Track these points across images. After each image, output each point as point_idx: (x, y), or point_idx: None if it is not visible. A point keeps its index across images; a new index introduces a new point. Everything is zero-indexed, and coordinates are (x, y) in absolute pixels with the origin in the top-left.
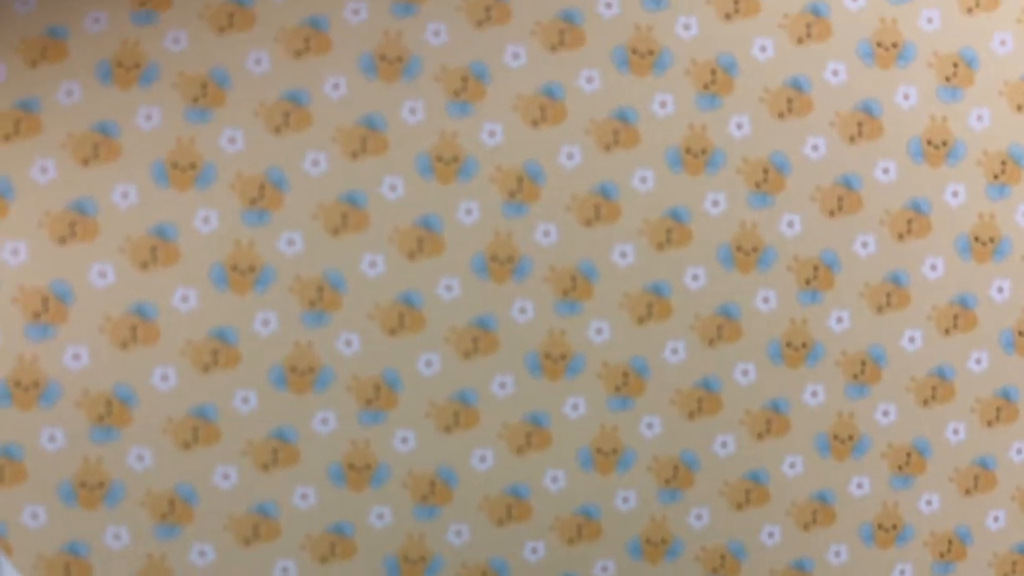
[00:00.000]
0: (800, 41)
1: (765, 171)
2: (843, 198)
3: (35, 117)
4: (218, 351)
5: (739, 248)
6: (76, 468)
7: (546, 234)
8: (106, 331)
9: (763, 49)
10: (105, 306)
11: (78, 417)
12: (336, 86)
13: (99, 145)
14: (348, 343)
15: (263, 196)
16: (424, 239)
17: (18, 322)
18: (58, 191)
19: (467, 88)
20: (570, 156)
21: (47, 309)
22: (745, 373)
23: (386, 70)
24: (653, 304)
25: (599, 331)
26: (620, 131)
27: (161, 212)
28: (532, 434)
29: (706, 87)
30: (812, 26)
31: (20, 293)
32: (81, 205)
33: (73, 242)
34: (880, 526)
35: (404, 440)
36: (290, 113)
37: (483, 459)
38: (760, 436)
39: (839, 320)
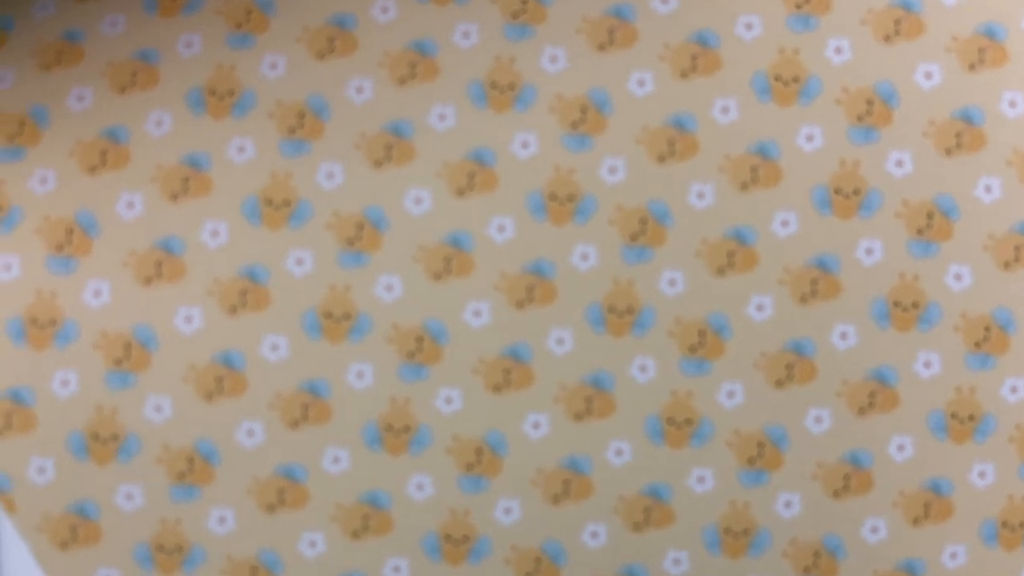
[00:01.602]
0: (972, 68)
1: (929, 215)
2: (1021, 248)
3: (122, 148)
4: (309, 405)
5: (897, 303)
6: (153, 530)
7: (672, 283)
8: (190, 381)
9: (928, 76)
10: (190, 354)
11: (158, 474)
12: (442, 117)
13: (189, 179)
14: (448, 400)
15: (361, 237)
16: (535, 286)
17: (99, 369)
18: (144, 228)
19: (586, 119)
20: (701, 196)
21: (129, 356)
22: (901, 448)
23: (497, 99)
24: (794, 365)
25: (731, 394)
26: (759, 167)
27: (252, 252)
28: (652, 509)
29: (860, 119)
30: (986, 51)
31: (102, 338)
32: (168, 244)
33: (159, 283)
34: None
35: (508, 511)
36: (392, 146)
37: (595, 535)
38: (916, 521)
39: (1014, 390)
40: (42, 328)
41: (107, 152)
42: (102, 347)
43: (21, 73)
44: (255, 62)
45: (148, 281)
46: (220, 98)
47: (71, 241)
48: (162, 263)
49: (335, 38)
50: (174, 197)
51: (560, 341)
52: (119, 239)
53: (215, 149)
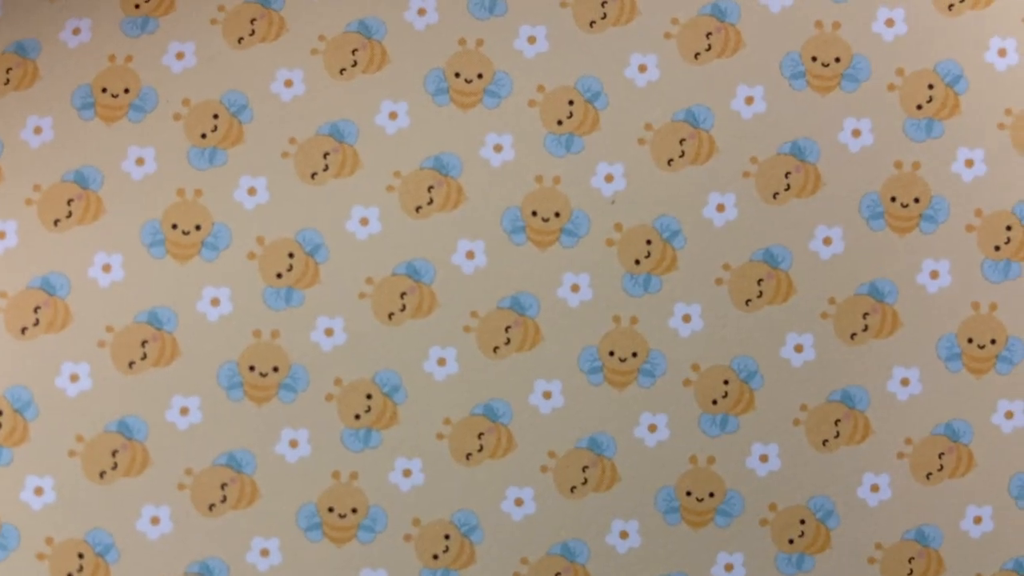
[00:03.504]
0: None
1: (1009, 228)
2: None
3: None
4: (228, 484)
5: (971, 340)
6: None
7: (687, 320)
8: (78, 456)
9: (1002, 54)
10: (77, 422)
11: (39, 574)
12: (394, 115)
13: (75, 200)
14: (407, 473)
15: (293, 269)
16: (513, 327)
17: None
18: (18, 264)
19: (574, 115)
20: (721, 209)
21: (0, 425)
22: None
23: (462, 92)
24: (843, 420)
25: (764, 459)
26: (794, 172)
27: (155, 291)
28: None
29: (920, 108)
30: None
31: None
32: (49, 283)
33: (36, 334)
34: None
35: None
36: (331, 153)
37: None
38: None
39: None
40: None
41: None
42: None
43: None
44: (157, 52)
45: (22, 331)
46: (114, 97)
47: None
48: (41, 308)
49: (257, 18)
50: (55, 223)
51: (547, 396)
52: None
53: (107, 162)
